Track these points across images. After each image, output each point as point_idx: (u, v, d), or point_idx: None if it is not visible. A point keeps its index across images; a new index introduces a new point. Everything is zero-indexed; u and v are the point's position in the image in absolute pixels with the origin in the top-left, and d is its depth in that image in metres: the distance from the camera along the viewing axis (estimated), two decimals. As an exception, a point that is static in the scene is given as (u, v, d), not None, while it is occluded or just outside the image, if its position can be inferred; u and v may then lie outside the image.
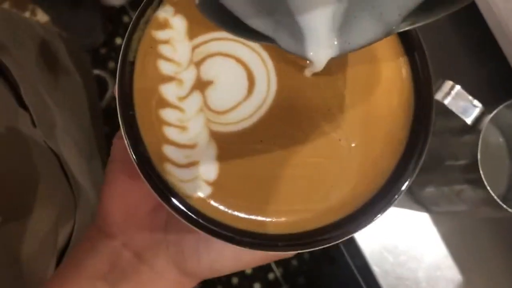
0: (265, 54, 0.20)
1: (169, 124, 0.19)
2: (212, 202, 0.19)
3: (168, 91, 0.20)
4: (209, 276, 0.22)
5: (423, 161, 0.19)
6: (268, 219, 0.19)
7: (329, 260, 0.72)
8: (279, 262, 0.91)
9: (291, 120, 0.20)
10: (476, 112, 0.36)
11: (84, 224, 0.37)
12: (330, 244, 0.18)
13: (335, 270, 0.70)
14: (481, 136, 0.34)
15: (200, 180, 0.19)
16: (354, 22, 0.17)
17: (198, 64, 0.20)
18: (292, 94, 0.20)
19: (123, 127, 0.19)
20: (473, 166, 0.35)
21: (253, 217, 0.19)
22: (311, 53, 0.18)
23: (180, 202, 0.18)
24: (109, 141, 0.23)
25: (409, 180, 0.19)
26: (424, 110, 0.19)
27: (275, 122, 0.20)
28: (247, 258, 0.21)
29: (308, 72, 0.20)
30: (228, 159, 0.19)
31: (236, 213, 0.19)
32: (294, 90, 0.20)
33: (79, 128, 0.44)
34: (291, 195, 0.19)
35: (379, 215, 0.18)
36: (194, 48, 0.20)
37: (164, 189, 0.18)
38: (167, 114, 0.19)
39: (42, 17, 0.80)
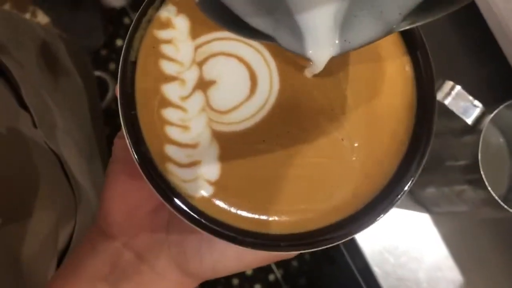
0: (267, 54, 0.20)
1: (171, 124, 0.19)
2: (214, 202, 0.19)
3: (170, 90, 0.20)
4: (212, 277, 0.22)
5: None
6: (270, 219, 0.19)
7: (330, 261, 0.72)
8: (279, 263, 0.91)
9: (293, 120, 0.20)
10: (476, 112, 0.36)
11: (84, 225, 0.37)
12: (333, 244, 0.18)
13: (335, 271, 0.69)
14: (481, 136, 0.34)
15: (202, 180, 0.19)
16: (354, 21, 0.17)
17: (200, 64, 0.20)
18: (294, 94, 0.20)
19: (124, 127, 0.18)
20: (473, 166, 0.35)
21: (255, 217, 0.19)
22: (310, 52, 0.18)
23: (182, 202, 0.18)
24: (110, 142, 0.23)
25: (411, 180, 0.19)
26: (426, 110, 0.19)
27: (277, 122, 0.20)
28: (249, 258, 0.21)
29: (308, 73, 0.20)
30: (230, 159, 0.19)
31: (238, 213, 0.19)
32: (297, 90, 0.20)
33: (79, 129, 0.44)
34: (293, 195, 0.19)
35: (382, 215, 0.18)
36: (196, 48, 0.20)
37: (166, 189, 0.18)
38: (169, 113, 0.19)
39: (42, 18, 0.80)
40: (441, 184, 0.41)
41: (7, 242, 0.30)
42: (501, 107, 0.35)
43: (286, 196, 0.19)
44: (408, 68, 0.20)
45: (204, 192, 0.19)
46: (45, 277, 0.33)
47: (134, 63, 0.19)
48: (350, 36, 0.18)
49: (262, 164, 0.19)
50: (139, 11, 0.19)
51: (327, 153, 0.19)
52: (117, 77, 0.19)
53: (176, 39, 0.20)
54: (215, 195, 0.19)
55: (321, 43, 0.18)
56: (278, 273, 0.92)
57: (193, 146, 0.19)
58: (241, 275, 0.91)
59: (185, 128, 0.19)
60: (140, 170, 0.18)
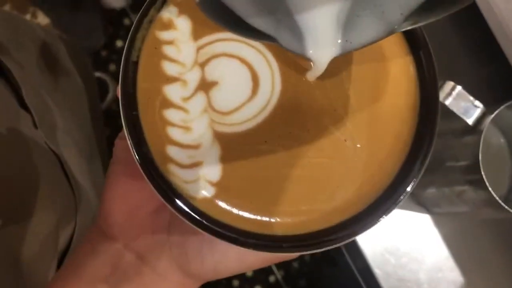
0: (269, 55, 0.20)
1: (173, 125, 0.19)
2: (216, 203, 0.19)
3: (172, 91, 0.20)
4: (213, 278, 0.21)
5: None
6: (272, 220, 0.19)
7: (330, 262, 0.72)
8: (280, 265, 0.91)
9: (296, 120, 0.20)
10: (477, 112, 0.36)
11: (85, 226, 0.37)
12: (336, 246, 0.18)
13: (336, 272, 0.69)
14: (482, 137, 0.34)
15: (203, 181, 0.19)
16: (356, 21, 0.17)
17: (202, 65, 0.20)
18: (297, 94, 0.20)
19: (126, 127, 0.18)
20: (474, 167, 0.35)
21: (257, 218, 0.19)
22: (311, 52, 0.18)
23: (184, 203, 0.18)
24: (110, 142, 0.23)
25: (414, 180, 0.19)
26: (430, 110, 0.19)
27: (279, 122, 0.20)
28: (251, 259, 0.21)
29: (310, 77, 0.20)
30: (232, 160, 0.19)
31: (240, 214, 0.19)
32: (299, 90, 0.20)
33: (79, 129, 0.44)
34: (295, 195, 0.19)
35: (385, 216, 0.18)
36: (198, 49, 0.20)
37: (167, 190, 0.18)
38: (171, 114, 0.19)
39: (42, 19, 0.80)
40: (442, 185, 0.41)
41: (7, 243, 0.30)
42: (502, 107, 0.35)
43: (288, 197, 0.19)
44: (411, 68, 0.20)
45: (206, 193, 0.19)
46: (46, 278, 0.32)
47: (136, 63, 0.19)
48: (352, 36, 0.18)
49: (264, 165, 0.19)
50: (140, 12, 0.19)
51: (330, 153, 0.19)
52: (118, 78, 0.19)
53: (178, 40, 0.20)
54: (217, 196, 0.19)
55: (322, 43, 0.17)
56: (279, 274, 0.92)
57: (195, 147, 0.19)
58: (241, 276, 0.91)
59: (186, 129, 0.19)
60: (141, 171, 0.18)
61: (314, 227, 0.19)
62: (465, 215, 0.43)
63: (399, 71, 0.20)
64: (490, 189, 0.33)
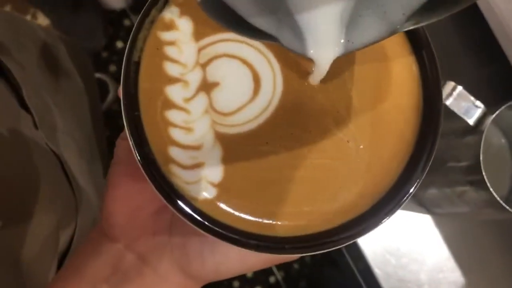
0: (271, 56, 0.20)
1: (175, 125, 0.19)
2: (218, 204, 0.19)
3: (174, 92, 0.19)
4: (215, 279, 0.21)
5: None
6: (274, 221, 0.19)
7: (331, 263, 0.72)
8: (280, 266, 0.91)
9: (297, 121, 0.20)
10: (478, 112, 0.36)
11: (85, 227, 0.37)
12: (339, 247, 0.18)
13: (336, 273, 0.69)
14: (483, 137, 0.34)
15: (205, 182, 0.19)
16: (358, 21, 0.17)
17: (204, 65, 0.20)
18: (298, 95, 0.20)
19: (127, 128, 0.18)
20: (475, 167, 0.35)
21: (259, 219, 0.19)
22: (311, 51, 0.17)
23: (186, 204, 0.18)
24: (110, 143, 0.23)
25: (418, 181, 0.18)
26: (433, 110, 0.19)
27: (281, 123, 0.20)
28: (252, 260, 0.21)
29: (313, 80, 0.19)
30: (233, 161, 0.19)
31: (242, 215, 0.19)
32: (301, 91, 0.20)
33: (80, 130, 0.44)
34: (298, 197, 0.19)
35: (388, 217, 0.18)
36: (200, 49, 0.20)
37: (169, 191, 0.18)
38: (172, 115, 0.19)
39: (43, 20, 0.80)
40: (443, 185, 0.41)
41: (8, 243, 0.30)
42: (502, 107, 0.35)
43: (290, 198, 0.19)
44: (413, 68, 0.20)
45: (208, 194, 0.19)
46: (46, 279, 0.32)
47: (138, 64, 0.19)
48: (354, 36, 0.17)
49: (265, 166, 0.19)
50: (142, 12, 0.19)
51: (332, 154, 0.19)
52: (118, 79, 0.19)
53: (179, 40, 0.20)
54: (218, 197, 0.19)
55: (323, 43, 0.17)
56: (279, 275, 0.91)
57: (197, 148, 0.19)
58: (242, 278, 0.90)
59: (188, 129, 0.19)
60: (143, 172, 0.18)
61: (317, 228, 0.18)
62: (466, 215, 0.43)
63: (401, 71, 0.20)
64: (491, 189, 0.33)
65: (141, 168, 0.18)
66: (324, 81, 0.20)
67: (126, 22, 0.96)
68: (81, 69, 0.49)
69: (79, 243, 0.36)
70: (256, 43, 0.20)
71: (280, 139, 0.19)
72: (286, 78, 0.20)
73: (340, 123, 0.20)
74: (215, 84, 0.20)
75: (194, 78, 0.20)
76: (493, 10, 0.38)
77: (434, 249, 0.44)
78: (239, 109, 0.20)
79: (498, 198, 0.33)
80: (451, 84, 0.35)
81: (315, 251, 0.18)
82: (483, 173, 0.34)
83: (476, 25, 0.41)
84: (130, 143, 0.18)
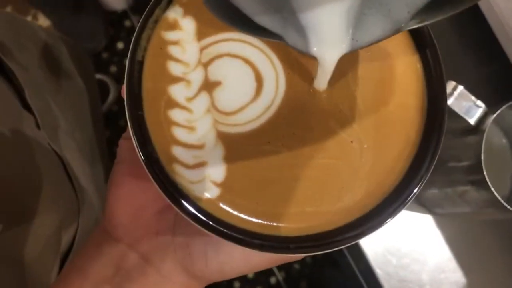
0: (273, 55, 0.20)
1: (177, 125, 0.19)
2: (221, 204, 0.19)
3: (177, 91, 0.19)
4: (218, 279, 0.21)
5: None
6: (278, 221, 0.19)
7: (332, 263, 0.72)
8: (281, 266, 0.91)
9: (300, 121, 0.20)
10: (479, 112, 0.36)
11: (87, 228, 0.37)
12: (343, 247, 0.18)
13: (337, 273, 0.69)
14: (484, 137, 0.34)
15: (208, 182, 0.19)
16: (362, 19, 0.17)
17: (206, 64, 0.20)
18: (301, 95, 0.20)
19: (131, 127, 0.18)
20: (476, 167, 0.35)
21: (263, 218, 0.19)
22: (315, 49, 0.17)
23: (190, 204, 0.18)
24: (110, 145, 0.23)
25: (422, 181, 0.18)
26: (437, 110, 0.19)
27: (283, 123, 0.20)
28: (256, 260, 0.21)
29: (318, 84, 0.19)
30: (235, 160, 0.19)
31: (245, 214, 0.19)
32: (304, 91, 0.20)
33: (81, 131, 0.44)
34: (302, 196, 0.19)
35: (392, 217, 0.18)
36: (202, 49, 0.20)
37: (173, 191, 0.18)
38: (175, 114, 0.19)
39: (44, 21, 0.80)
40: (444, 185, 0.41)
41: (10, 243, 0.29)
42: (503, 107, 0.35)
43: (294, 197, 0.19)
44: (417, 67, 0.20)
45: (211, 193, 0.19)
46: (48, 279, 0.32)
47: (141, 63, 0.19)
48: (358, 35, 0.17)
49: (268, 165, 0.19)
50: (145, 11, 0.19)
51: (335, 154, 0.19)
52: (119, 79, 0.19)
53: (182, 40, 0.20)
54: (222, 196, 0.19)
55: (327, 41, 0.17)
56: (280, 276, 0.91)
57: (199, 147, 0.19)
58: (242, 278, 0.90)
59: (191, 129, 0.19)
60: (147, 171, 0.18)
61: (321, 228, 0.18)
62: (467, 215, 0.43)
63: (405, 71, 0.20)
64: (492, 189, 0.33)
65: (145, 168, 0.18)
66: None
67: (127, 23, 0.96)
68: (82, 70, 0.49)
69: (81, 243, 0.36)
70: (259, 43, 0.20)
71: (283, 138, 0.19)
72: (289, 78, 0.20)
73: (344, 123, 0.20)
74: (217, 84, 0.20)
75: (196, 77, 0.20)
76: (493, 9, 0.38)
77: (436, 250, 0.44)
78: (241, 109, 0.20)
79: (500, 198, 0.33)
80: (452, 83, 0.35)
81: (320, 251, 0.18)
82: (484, 173, 0.34)
83: (476, 25, 0.41)
84: (134, 142, 0.18)
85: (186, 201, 0.18)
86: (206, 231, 0.18)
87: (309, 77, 0.20)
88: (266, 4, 0.17)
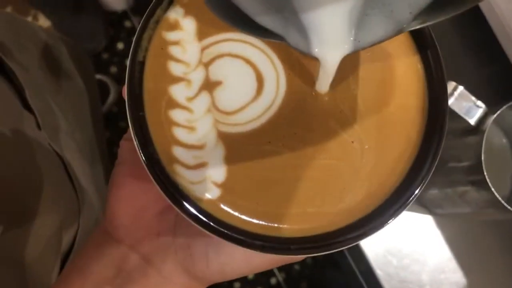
0: (274, 56, 0.20)
1: (178, 125, 0.19)
2: (222, 205, 0.19)
3: (177, 91, 0.19)
4: (219, 280, 0.21)
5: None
6: (279, 222, 0.19)
7: (332, 264, 0.72)
8: (281, 267, 0.91)
9: (301, 121, 0.20)
10: (479, 112, 0.36)
11: (88, 228, 0.37)
12: (344, 248, 0.18)
13: (338, 274, 0.69)
14: (484, 137, 0.34)
15: (209, 182, 0.19)
16: (364, 20, 0.17)
17: (207, 64, 0.20)
18: (302, 95, 0.20)
19: (132, 128, 0.18)
20: (477, 167, 0.35)
21: (264, 219, 0.19)
22: (316, 50, 0.17)
23: (191, 205, 0.18)
24: (110, 145, 0.23)
25: (423, 182, 0.18)
26: (438, 110, 0.19)
27: (283, 123, 0.20)
28: (257, 261, 0.21)
29: (320, 86, 0.19)
30: (236, 160, 0.19)
31: (246, 215, 0.19)
32: (304, 91, 0.20)
33: (81, 132, 0.44)
34: (303, 197, 0.19)
35: (394, 218, 0.18)
36: (203, 49, 0.20)
37: (174, 192, 0.18)
38: (176, 114, 0.19)
39: (44, 22, 0.80)
40: (444, 185, 0.41)
41: (11, 244, 0.29)
42: (504, 107, 0.35)
43: (295, 198, 0.19)
44: (418, 68, 0.20)
45: (212, 194, 0.19)
46: (49, 279, 0.32)
47: (142, 63, 0.19)
48: (360, 35, 0.17)
49: (268, 166, 0.19)
50: (147, 12, 0.19)
51: (337, 155, 0.19)
52: (119, 80, 0.19)
53: (183, 40, 0.20)
54: (222, 197, 0.19)
55: (329, 42, 0.17)
56: (280, 277, 0.91)
57: (200, 147, 0.19)
58: (243, 279, 0.90)
59: (191, 129, 0.19)
60: (148, 172, 0.18)
61: (322, 229, 0.18)
62: (467, 216, 0.43)
63: (406, 72, 0.20)
64: (492, 189, 0.33)
65: (146, 169, 0.18)
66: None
67: (127, 24, 0.96)
68: (82, 70, 0.49)
69: (82, 243, 0.36)
70: (260, 43, 0.20)
71: (283, 138, 0.19)
72: (290, 79, 0.20)
73: (345, 123, 0.19)
74: (217, 83, 0.20)
75: (197, 77, 0.20)
76: (494, 10, 0.38)
77: (436, 250, 0.44)
78: (241, 108, 0.20)
79: (500, 198, 0.33)
80: (452, 84, 0.35)
81: (321, 252, 0.18)
82: (485, 173, 0.34)
83: (476, 25, 0.41)
84: (135, 143, 0.18)
85: (187, 202, 0.18)
86: (207, 232, 0.18)
87: (311, 78, 0.20)
88: (268, 4, 0.17)
